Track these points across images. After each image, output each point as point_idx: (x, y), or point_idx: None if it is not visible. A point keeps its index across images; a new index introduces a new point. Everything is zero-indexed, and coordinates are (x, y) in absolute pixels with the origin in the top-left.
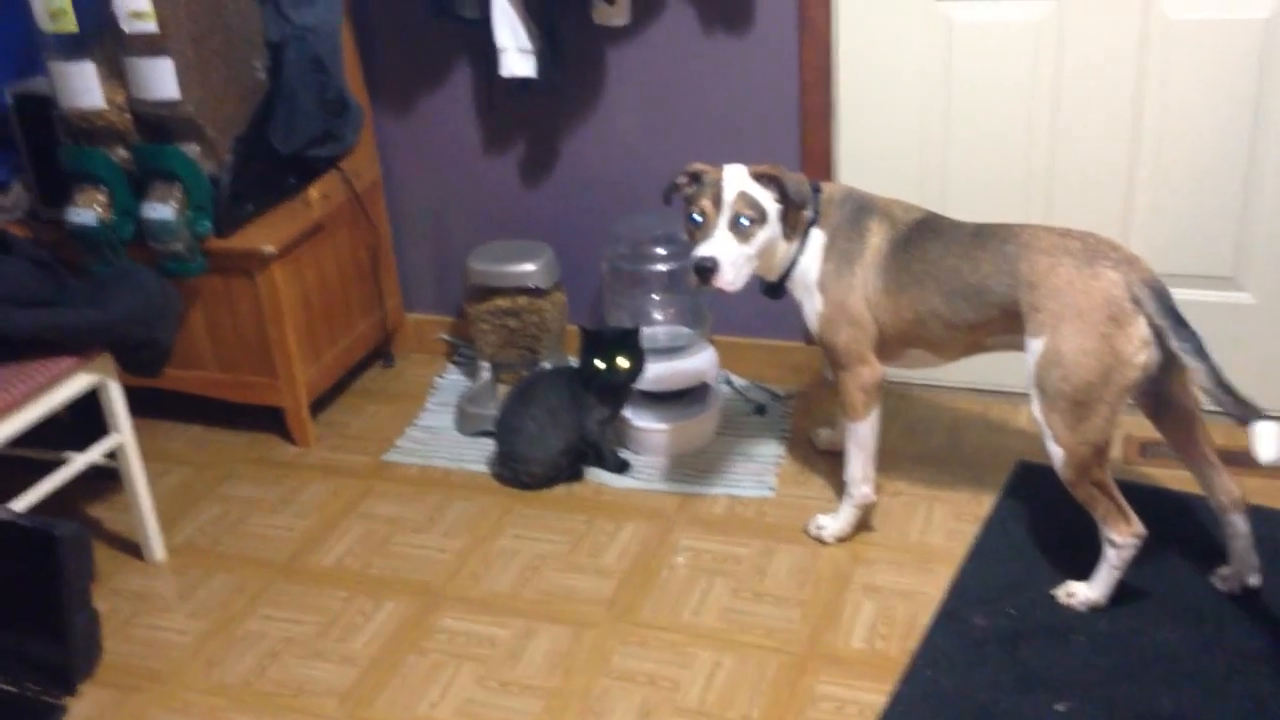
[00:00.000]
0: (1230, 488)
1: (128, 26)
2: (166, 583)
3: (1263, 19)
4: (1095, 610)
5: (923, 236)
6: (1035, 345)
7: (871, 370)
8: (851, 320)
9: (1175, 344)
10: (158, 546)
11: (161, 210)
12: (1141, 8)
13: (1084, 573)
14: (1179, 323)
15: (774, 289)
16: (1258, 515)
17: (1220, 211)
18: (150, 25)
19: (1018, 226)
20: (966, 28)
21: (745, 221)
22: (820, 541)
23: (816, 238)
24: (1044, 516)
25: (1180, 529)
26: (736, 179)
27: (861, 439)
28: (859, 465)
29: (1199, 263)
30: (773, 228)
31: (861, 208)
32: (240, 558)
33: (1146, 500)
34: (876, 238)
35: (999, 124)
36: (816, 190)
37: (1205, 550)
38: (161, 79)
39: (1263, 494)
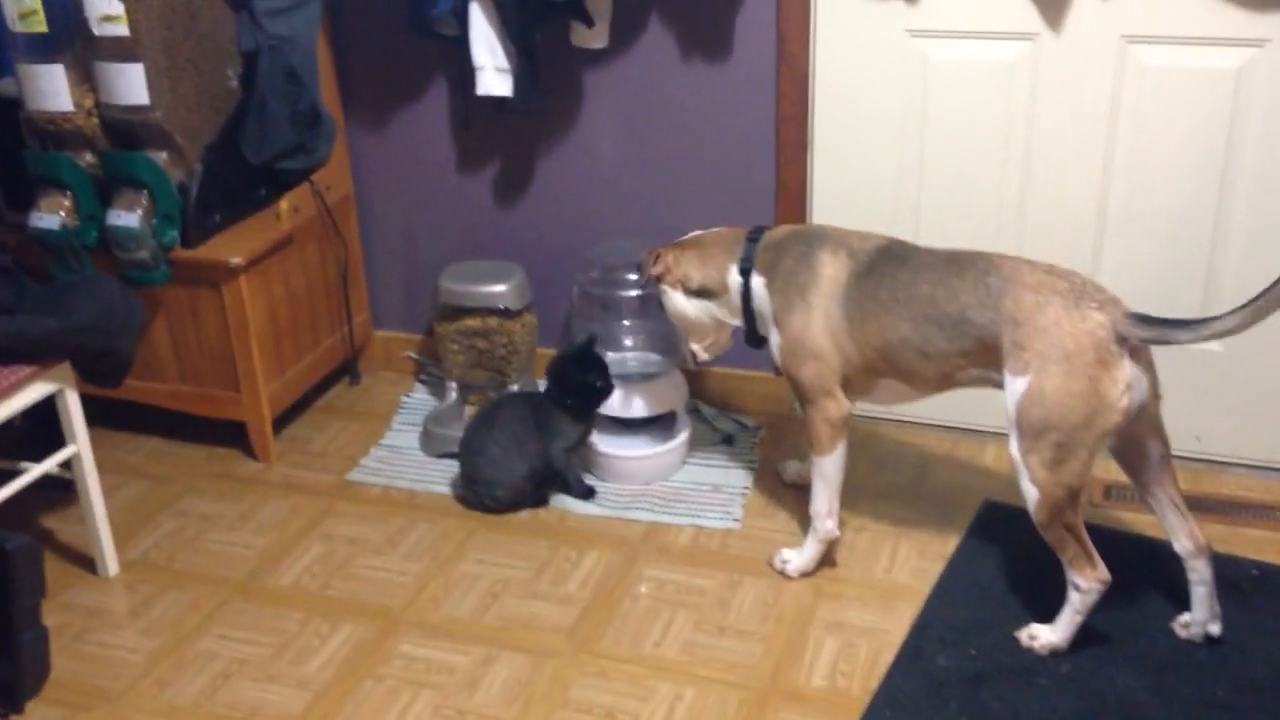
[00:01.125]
0: (1195, 534)
1: (99, 29)
2: (119, 599)
3: (1234, 68)
4: (1057, 654)
5: (888, 264)
6: (1018, 384)
7: (837, 404)
8: (814, 354)
9: (1185, 335)
10: (111, 561)
11: (127, 218)
12: (1117, 52)
13: (1047, 614)
14: (1174, 326)
15: (747, 336)
16: (1220, 562)
17: (1189, 257)
18: (122, 29)
19: (998, 257)
20: (941, 65)
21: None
22: (784, 575)
23: (756, 281)
24: (1009, 557)
25: (1143, 573)
26: None
27: (826, 473)
28: (824, 499)
29: (1167, 308)
30: (666, 298)
31: (809, 242)
32: (195, 575)
33: (1110, 543)
34: (831, 269)
35: (972, 162)
36: (754, 239)
37: (1167, 596)
38: (131, 84)
39: (1226, 541)
